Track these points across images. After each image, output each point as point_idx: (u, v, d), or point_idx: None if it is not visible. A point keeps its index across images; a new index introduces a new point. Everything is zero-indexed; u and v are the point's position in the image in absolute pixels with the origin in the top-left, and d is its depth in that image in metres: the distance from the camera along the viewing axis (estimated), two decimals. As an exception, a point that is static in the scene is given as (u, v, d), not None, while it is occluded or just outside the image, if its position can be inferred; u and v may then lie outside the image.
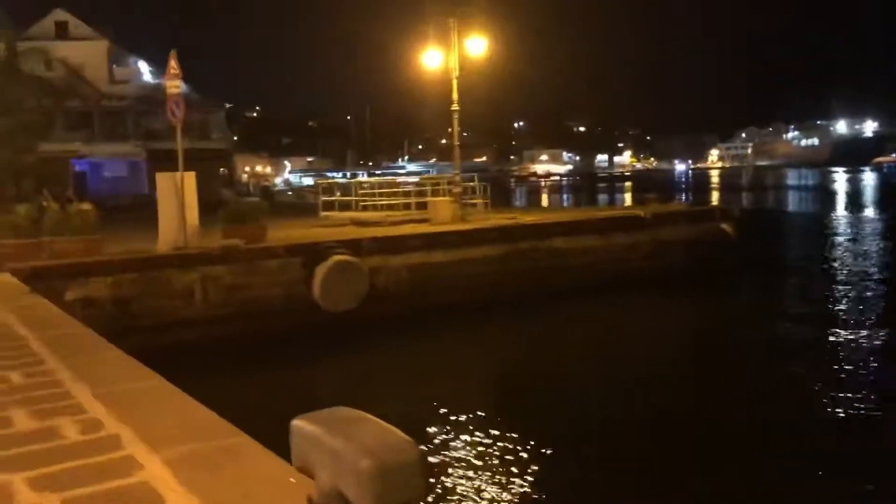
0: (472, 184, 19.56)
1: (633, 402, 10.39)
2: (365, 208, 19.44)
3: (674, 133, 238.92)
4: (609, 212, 19.44)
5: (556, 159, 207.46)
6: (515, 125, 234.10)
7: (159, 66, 55.38)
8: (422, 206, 19.29)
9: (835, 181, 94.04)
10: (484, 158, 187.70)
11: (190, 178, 14.52)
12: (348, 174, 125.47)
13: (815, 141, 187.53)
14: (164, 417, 4.15)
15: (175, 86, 14.01)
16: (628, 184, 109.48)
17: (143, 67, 54.26)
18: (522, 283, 17.02)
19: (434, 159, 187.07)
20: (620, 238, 18.57)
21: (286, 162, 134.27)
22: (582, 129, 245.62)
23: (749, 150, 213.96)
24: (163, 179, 14.29)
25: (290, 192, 69.31)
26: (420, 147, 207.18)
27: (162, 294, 13.55)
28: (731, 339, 14.36)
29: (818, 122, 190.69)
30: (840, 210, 44.75)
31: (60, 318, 8.34)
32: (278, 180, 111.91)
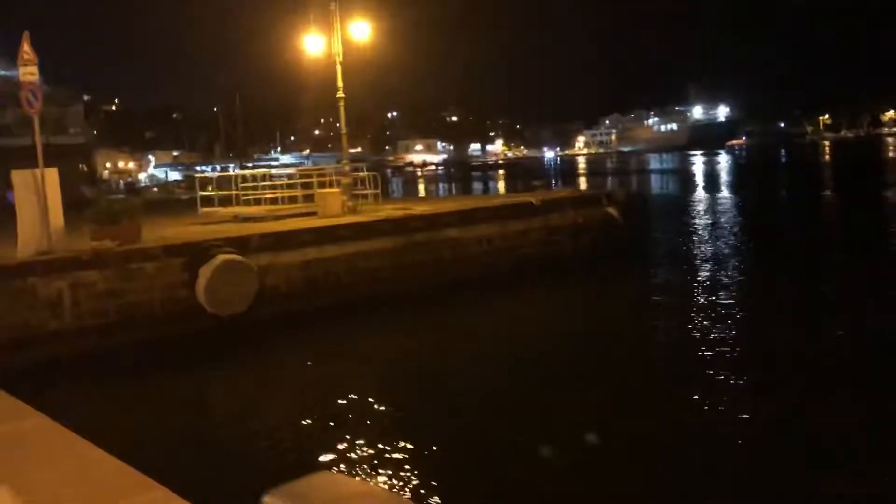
0: (361, 174, 18.83)
1: (529, 401, 10.05)
2: (248, 203, 18.33)
3: (542, 122, 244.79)
4: (500, 199, 19.20)
5: (430, 149, 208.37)
6: (389, 115, 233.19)
7: (5, 56, 51.14)
8: (308, 199, 18.38)
9: (693, 164, 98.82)
10: (359, 149, 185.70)
11: (52, 175, 13.12)
12: (218, 168, 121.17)
13: (674, 126, 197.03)
14: (51, 469, 3.36)
15: (30, 72, 12.57)
16: (501, 172, 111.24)
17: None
18: (419, 275, 16.52)
19: (308, 150, 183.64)
20: (513, 225, 18.40)
21: (150, 157, 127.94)
22: (455, 118, 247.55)
23: (613, 137, 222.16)
24: (20, 177, 12.83)
25: (155, 189, 65.93)
26: (293, 138, 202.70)
27: (25, 306, 12.16)
28: (623, 331, 14.32)
29: (676, 108, 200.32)
30: (700, 192, 46.94)
31: None
32: (142, 176, 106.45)
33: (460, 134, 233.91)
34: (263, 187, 18.16)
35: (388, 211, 17.54)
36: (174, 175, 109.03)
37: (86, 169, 46.13)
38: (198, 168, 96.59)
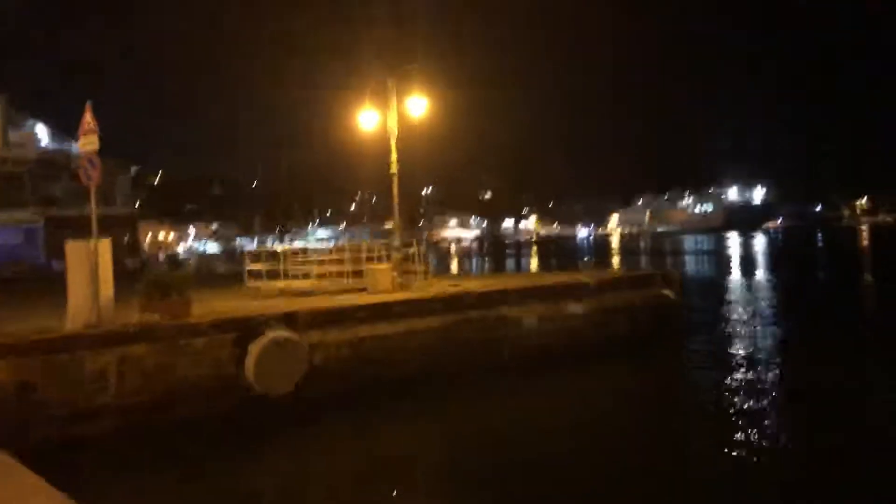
0: (411, 250, 18.48)
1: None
2: (295, 277, 18.02)
3: (575, 198, 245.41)
4: (554, 278, 18.68)
5: (464, 224, 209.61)
6: (424, 191, 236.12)
7: (59, 129, 52.68)
8: (357, 274, 18.03)
9: (729, 246, 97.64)
10: (390, 224, 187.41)
11: (105, 247, 12.90)
12: (256, 241, 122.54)
13: (710, 207, 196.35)
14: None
15: (91, 142, 12.51)
16: (534, 249, 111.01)
17: (42, 131, 51.38)
18: (470, 354, 15.94)
19: (343, 225, 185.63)
20: (568, 306, 17.80)
21: (191, 228, 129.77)
22: (489, 195, 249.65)
23: (647, 217, 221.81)
24: (73, 248, 12.62)
25: (190, 261, 66.43)
26: (328, 213, 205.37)
27: (72, 379, 11.77)
28: (684, 411, 13.55)
29: (711, 190, 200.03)
30: (740, 273, 46.17)
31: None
32: (180, 248, 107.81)
33: (494, 210, 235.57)
34: (312, 261, 17.83)
35: (440, 288, 17.08)
36: (212, 247, 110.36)
37: (130, 240, 46.72)
38: (237, 241, 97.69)
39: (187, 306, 13.66)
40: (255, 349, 12.69)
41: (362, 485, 10.24)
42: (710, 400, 13.74)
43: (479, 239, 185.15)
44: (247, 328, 13.24)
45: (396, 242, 17.82)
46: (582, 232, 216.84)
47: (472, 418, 13.38)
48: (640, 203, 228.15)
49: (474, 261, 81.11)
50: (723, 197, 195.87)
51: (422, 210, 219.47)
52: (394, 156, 17.46)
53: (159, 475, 10.76)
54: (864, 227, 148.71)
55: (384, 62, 17.57)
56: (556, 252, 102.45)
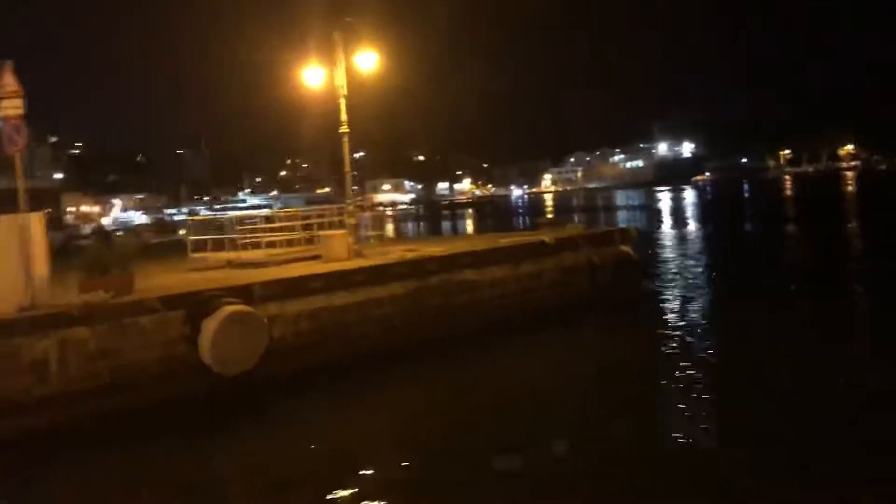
0: (365, 214, 17.61)
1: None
2: (243, 247, 16.98)
3: (509, 160, 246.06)
4: (513, 238, 18.11)
5: (398, 188, 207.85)
6: (356, 155, 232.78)
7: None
8: (308, 241, 17.11)
9: (659, 199, 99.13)
10: (328, 189, 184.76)
11: (37, 221, 11.71)
12: (185, 210, 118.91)
13: (640, 163, 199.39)
14: None
15: (14, 106, 11.26)
16: (470, 211, 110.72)
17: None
18: (434, 322, 15.30)
19: (275, 192, 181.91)
20: (528, 267, 17.29)
21: (115, 200, 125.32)
22: (422, 157, 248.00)
23: (579, 174, 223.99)
24: (2, 223, 11.39)
25: (120, 233, 63.83)
26: (259, 180, 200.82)
27: (7, 369, 10.66)
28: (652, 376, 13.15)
29: (641, 146, 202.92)
30: (679, 228, 46.73)
31: None
32: (105, 220, 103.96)
33: (428, 173, 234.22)
34: (262, 230, 16.80)
35: (398, 253, 16.32)
36: (140, 219, 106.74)
37: (52, 215, 44.22)
38: (166, 211, 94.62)
39: (130, 282, 12.61)
40: (210, 325, 11.76)
41: (333, 466, 9.50)
42: (677, 368, 13.25)
43: (413, 202, 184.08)
44: (198, 303, 12.26)
45: (351, 207, 16.91)
46: (516, 192, 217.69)
47: (440, 390, 12.77)
48: (571, 161, 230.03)
49: (410, 225, 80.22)
50: (653, 152, 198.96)
51: (355, 174, 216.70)
52: (343, 115, 16.48)
53: (107, 472, 9.83)
54: (787, 178, 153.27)
55: (328, 15, 16.46)
56: (493, 212, 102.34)
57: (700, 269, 24.63)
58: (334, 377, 13.10)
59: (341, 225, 17.76)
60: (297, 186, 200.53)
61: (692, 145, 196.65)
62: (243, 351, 12.11)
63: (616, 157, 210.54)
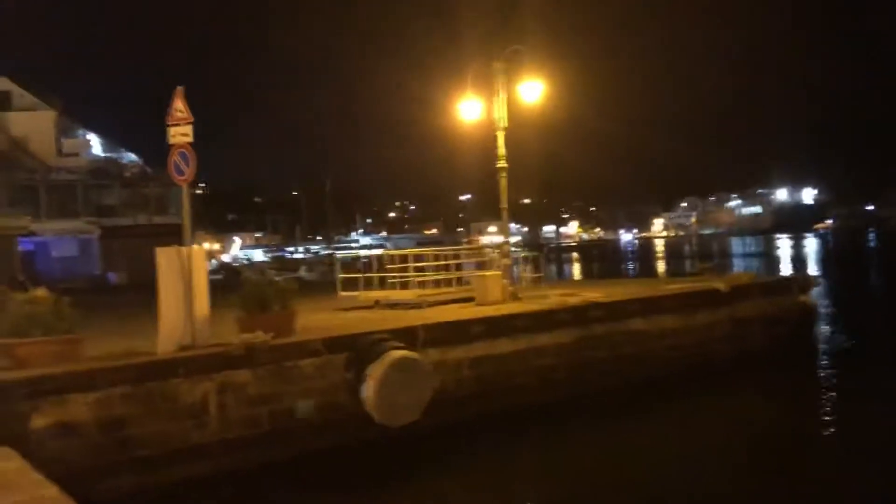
0: (521, 253, 16.46)
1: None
2: (393, 286, 16.11)
3: (617, 203, 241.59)
4: (681, 285, 16.54)
5: (503, 231, 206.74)
6: (461, 198, 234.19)
7: (110, 138, 51.80)
8: (456, 283, 16.08)
9: (779, 247, 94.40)
10: (434, 231, 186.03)
11: (199, 254, 11.10)
12: (300, 249, 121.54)
13: (758, 209, 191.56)
14: None
15: (184, 133, 10.71)
16: (575, 254, 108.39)
17: (94, 140, 50.47)
18: (599, 375, 13.90)
19: (384, 232, 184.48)
20: (701, 317, 15.66)
21: (235, 238, 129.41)
22: (527, 201, 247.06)
23: (693, 219, 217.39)
24: (165, 255, 10.82)
25: (221, 272, 65.18)
26: (369, 220, 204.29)
27: (166, 412, 9.96)
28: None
29: (759, 191, 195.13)
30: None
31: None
32: (225, 257, 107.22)
33: (534, 216, 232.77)
34: (414, 269, 15.87)
35: (556, 297, 15.05)
36: (257, 256, 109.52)
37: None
38: (288, 249, 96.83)
39: (291, 321, 11.82)
40: (376, 372, 10.76)
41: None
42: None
43: (519, 245, 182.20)
44: (361, 347, 11.33)
45: (507, 247, 15.80)
46: (625, 236, 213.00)
47: (607, 450, 11.47)
48: (683, 206, 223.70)
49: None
50: (771, 198, 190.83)
51: (461, 215, 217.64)
52: (501, 149, 15.50)
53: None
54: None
55: (486, 47, 15.63)
56: (599, 257, 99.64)
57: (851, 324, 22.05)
58: (495, 432, 11.91)
59: (487, 265, 16.67)
60: (405, 227, 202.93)
61: (814, 191, 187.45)
62: (409, 401, 11.05)
63: (732, 203, 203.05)
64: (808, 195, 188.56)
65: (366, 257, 16.65)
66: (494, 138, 15.66)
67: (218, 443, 10.28)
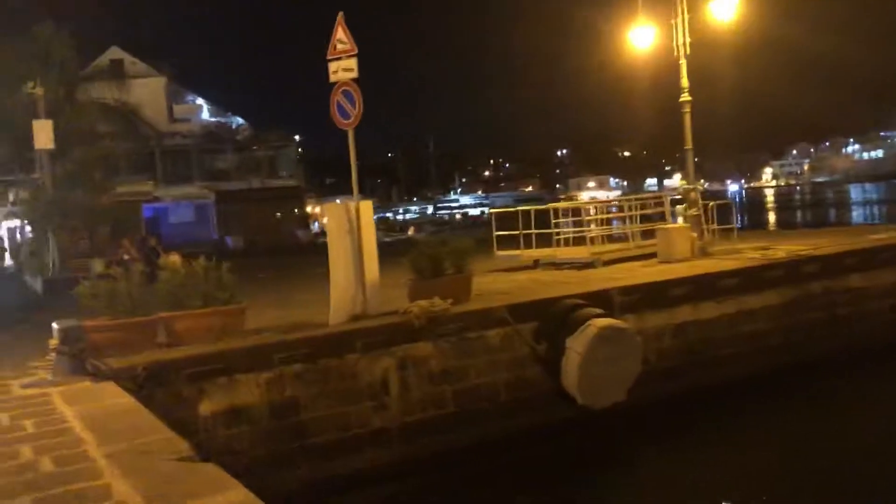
0: (708, 202, 14.35)
1: None
2: (557, 243, 14.35)
3: (723, 153, 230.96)
4: (890, 234, 14.12)
5: (603, 185, 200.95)
6: (559, 153, 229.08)
7: (217, 102, 51.66)
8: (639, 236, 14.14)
9: None
10: (530, 188, 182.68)
11: (368, 210, 9.58)
12: (401, 210, 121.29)
13: (880, 153, 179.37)
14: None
15: (346, 68, 9.10)
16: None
17: (203, 105, 50.41)
18: (817, 341, 11.81)
19: (480, 191, 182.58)
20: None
21: (338, 201, 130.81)
22: (627, 154, 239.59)
23: (805, 167, 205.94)
24: (333, 212, 9.37)
25: None
26: (464, 180, 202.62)
27: (344, 393, 8.56)
28: None
29: (882, 134, 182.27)
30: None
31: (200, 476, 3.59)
32: (326, 220, 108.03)
33: (634, 169, 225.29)
34: (588, 223, 14.03)
35: (752, 252, 12.94)
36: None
37: (300, 213, 44.88)
38: (388, 214, 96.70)
39: (468, 286, 10.23)
40: (578, 345, 9.06)
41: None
42: None
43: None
44: (554, 315, 9.64)
45: (695, 194, 13.71)
46: (732, 187, 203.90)
47: (836, 425, 9.54)
48: (794, 153, 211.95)
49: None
50: (894, 141, 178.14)
51: (558, 171, 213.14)
52: (685, 79, 13.35)
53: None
54: None
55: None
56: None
57: None
58: (705, 410, 10.09)
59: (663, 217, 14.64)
60: (501, 185, 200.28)
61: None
62: (615, 378, 9.33)
63: (850, 148, 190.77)
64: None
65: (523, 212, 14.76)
66: (676, 68, 13.46)
67: (399, 427, 8.84)
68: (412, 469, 8.69)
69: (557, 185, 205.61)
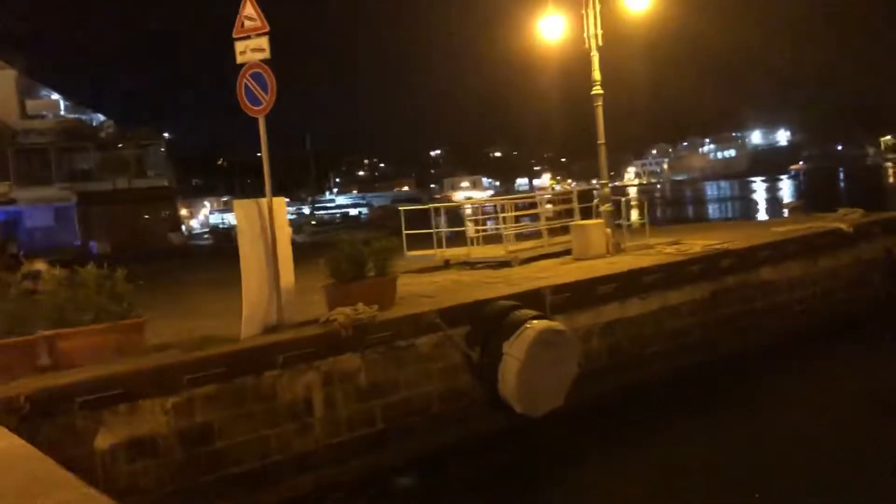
0: (622, 198, 14.12)
1: None
2: (472, 242, 13.73)
3: (588, 154, 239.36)
4: (795, 226, 14.39)
5: (476, 185, 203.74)
6: (432, 153, 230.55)
7: (75, 98, 48.09)
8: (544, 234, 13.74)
9: (754, 191, 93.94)
10: (406, 188, 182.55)
11: (281, 208, 8.60)
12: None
13: (732, 152, 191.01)
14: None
15: (256, 48, 8.07)
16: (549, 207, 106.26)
17: (59, 100, 46.71)
18: (730, 335, 11.79)
19: (356, 191, 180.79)
20: (826, 262, 13.56)
21: (205, 202, 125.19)
22: (498, 154, 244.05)
23: (665, 166, 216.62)
24: (244, 209, 8.31)
25: (206, 236, 62.03)
26: (338, 180, 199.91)
27: (262, 416, 7.57)
28: None
29: (734, 134, 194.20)
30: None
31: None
32: (194, 223, 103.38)
33: (505, 169, 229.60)
34: (501, 220, 13.47)
35: (664, 247, 12.82)
36: (231, 220, 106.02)
37: (170, 214, 42.21)
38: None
39: (392, 289, 9.43)
40: (517, 351, 8.45)
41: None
42: None
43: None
44: (487, 318, 9.00)
45: (607, 190, 13.46)
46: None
47: (761, 419, 9.52)
48: (654, 153, 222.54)
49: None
50: (746, 141, 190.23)
51: (432, 171, 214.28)
52: (596, 72, 13.05)
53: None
54: (889, 165, 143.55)
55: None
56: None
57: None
58: (636, 411, 9.77)
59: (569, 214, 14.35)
60: (375, 185, 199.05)
61: (787, 133, 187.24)
62: (554, 383, 8.80)
63: (705, 148, 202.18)
64: (783, 137, 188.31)
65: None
66: (588, 62, 13.14)
67: (325, 449, 7.94)
68: (342, 497, 7.86)
69: (432, 185, 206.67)
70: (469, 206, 14.76)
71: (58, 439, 6.38)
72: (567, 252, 13.09)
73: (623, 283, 10.66)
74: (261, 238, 8.22)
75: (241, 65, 8.24)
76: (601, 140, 13.42)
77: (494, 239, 14.68)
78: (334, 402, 8.01)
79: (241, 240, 8.18)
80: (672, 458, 8.62)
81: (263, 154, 8.39)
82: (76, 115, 45.70)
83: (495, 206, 14.29)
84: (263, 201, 8.32)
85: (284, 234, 8.47)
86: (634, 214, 15.38)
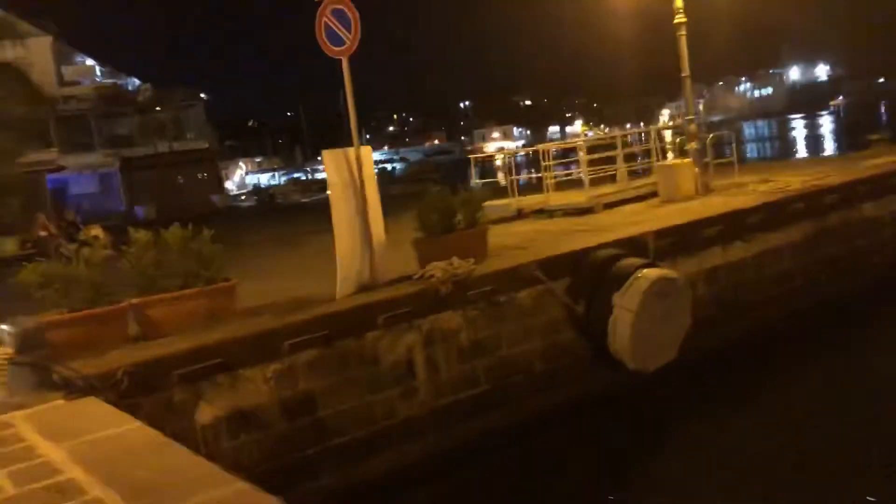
0: (710, 135, 13.24)
1: None
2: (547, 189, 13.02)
3: (622, 98, 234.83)
4: (889, 158, 13.44)
5: (507, 136, 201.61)
6: (461, 105, 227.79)
7: (111, 63, 47.68)
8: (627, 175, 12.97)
9: (793, 129, 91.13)
10: (437, 142, 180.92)
11: (369, 158, 7.97)
12: (309, 170, 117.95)
13: (770, 90, 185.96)
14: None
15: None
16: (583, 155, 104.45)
17: (94, 66, 46.30)
18: (835, 277, 11.01)
19: (387, 147, 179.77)
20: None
21: (241, 163, 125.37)
22: (528, 102, 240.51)
23: (700, 107, 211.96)
24: (333, 160, 7.70)
25: (244, 197, 61.86)
26: (368, 136, 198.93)
27: (365, 380, 7.05)
28: None
29: (770, 71, 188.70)
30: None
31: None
32: (228, 184, 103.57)
33: (536, 118, 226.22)
34: (586, 162, 12.68)
35: (757, 185, 11.99)
36: (269, 181, 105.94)
37: (212, 176, 41.89)
38: (296, 174, 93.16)
39: (484, 241, 8.81)
40: (628, 302, 7.80)
41: None
42: None
43: (526, 148, 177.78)
44: (591, 268, 8.35)
45: (693, 127, 12.57)
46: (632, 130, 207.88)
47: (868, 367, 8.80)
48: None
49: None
50: (784, 77, 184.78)
51: (462, 123, 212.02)
52: (679, 1, 12.11)
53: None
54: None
55: None
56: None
57: None
58: (745, 364, 9.12)
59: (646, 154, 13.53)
60: (406, 140, 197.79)
61: (827, 67, 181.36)
62: (667, 336, 8.15)
63: (742, 87, 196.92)
64: (823, 71, 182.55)
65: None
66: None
67: (430, 414, 7.42)
68: (450, 464, 7.34)
69: (463, 138, 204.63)
70: (553, 148, 13.85)
71: (156, 415, 5.91)
72: (650, 195, 12.33)
73: (727, 224, 9.92)
74: (352, 191, 7.61)
75: (319, 2, 7.53)
76: (685, 72, 12.51)
77: (564, 186, 13.95)
78: (436, 364, 7.47)
79: (333, 194, 7.59)
80: (791, 413, 7.98)
81: (349, 98, 7.74)
82: (112, 80, 45.31)
83: (566, 150, 13.48)
84: (351, 151, 7.69)
85: (372, 187, 7.84)
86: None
